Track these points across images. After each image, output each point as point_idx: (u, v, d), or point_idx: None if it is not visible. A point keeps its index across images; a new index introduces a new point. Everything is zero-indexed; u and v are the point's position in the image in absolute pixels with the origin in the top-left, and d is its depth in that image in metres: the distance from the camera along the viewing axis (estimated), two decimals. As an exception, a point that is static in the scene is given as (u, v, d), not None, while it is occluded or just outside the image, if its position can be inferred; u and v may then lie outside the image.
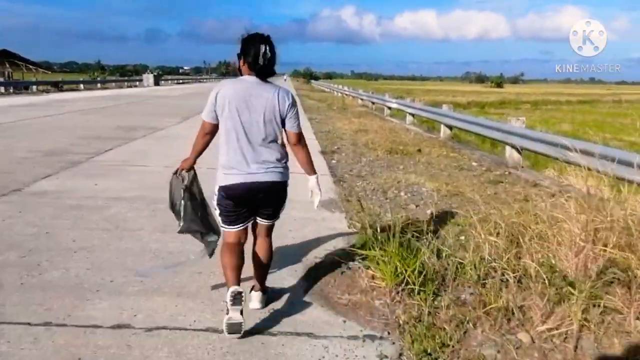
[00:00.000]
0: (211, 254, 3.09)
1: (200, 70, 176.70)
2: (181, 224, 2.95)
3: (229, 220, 2.74)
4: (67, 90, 35.49)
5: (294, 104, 2.71)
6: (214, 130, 2.71)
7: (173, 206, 2.97)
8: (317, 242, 4.19)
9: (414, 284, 3.04)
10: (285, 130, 2.72)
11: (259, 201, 2.71)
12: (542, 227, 3.56)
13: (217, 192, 2.70)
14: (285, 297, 3.12)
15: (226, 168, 2.64)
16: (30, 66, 56.70)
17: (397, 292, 3.11)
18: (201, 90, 39.80)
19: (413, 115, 15.29)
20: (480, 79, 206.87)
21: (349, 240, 4.19)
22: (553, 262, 3.24)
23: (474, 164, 8.61)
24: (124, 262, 3.59)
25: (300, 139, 2.76)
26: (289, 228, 4.42)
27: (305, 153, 2.82)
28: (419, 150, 9.82)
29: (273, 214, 2.85)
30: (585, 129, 22.68)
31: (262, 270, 2.94)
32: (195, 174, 2.95)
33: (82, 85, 39.75)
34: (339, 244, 4.14)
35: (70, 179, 6.41)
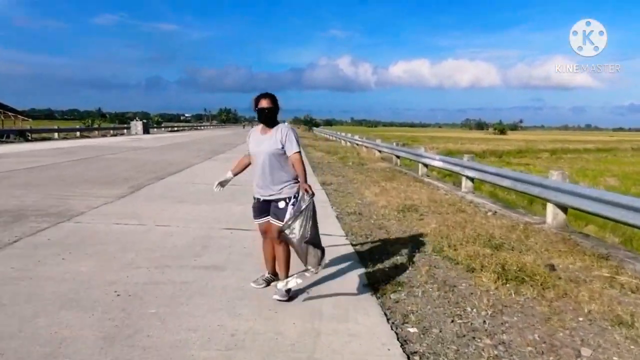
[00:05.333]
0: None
1: (201, 117, 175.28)
2: None
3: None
4: (36, 139, 30.91)
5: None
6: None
7: None
8: None
9: None
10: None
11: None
12: None
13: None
14: None
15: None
16: (10, 113, 52.72)
17: None
18: (190, 140, 33.84)
19: (472, 179, 10.49)
20: (480, 126, 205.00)
21: None
22: None
23: None
24: None
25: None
26: None
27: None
28: (552, 268, 4.98)
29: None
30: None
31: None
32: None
33: (56, 134, 35.17)
34: None
35: None
